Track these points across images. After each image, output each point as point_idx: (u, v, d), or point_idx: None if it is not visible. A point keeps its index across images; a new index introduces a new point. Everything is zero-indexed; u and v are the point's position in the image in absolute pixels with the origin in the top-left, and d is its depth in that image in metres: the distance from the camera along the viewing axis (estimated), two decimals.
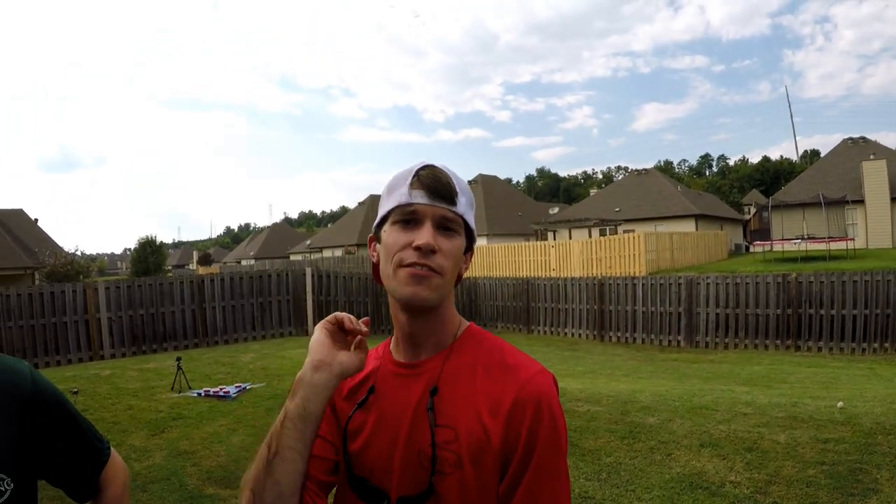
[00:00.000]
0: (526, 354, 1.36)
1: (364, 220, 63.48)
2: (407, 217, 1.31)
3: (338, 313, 1.36)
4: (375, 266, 1.40)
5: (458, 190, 1.34)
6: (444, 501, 1.24)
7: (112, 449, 1.74)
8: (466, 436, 1.24)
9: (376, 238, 1.40)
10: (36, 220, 44.95)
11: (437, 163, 1.37)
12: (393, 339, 1.44)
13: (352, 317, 1.35)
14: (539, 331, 18.97)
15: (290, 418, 1.26)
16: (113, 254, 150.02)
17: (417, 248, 1.27)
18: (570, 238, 34.35)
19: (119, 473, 1.73)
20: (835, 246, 29.26)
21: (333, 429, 1.42)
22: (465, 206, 1.35)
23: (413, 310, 1.32)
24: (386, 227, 1.35)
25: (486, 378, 1.29)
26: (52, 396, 1.56)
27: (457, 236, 1.34)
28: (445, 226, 1.32)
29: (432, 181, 1.31)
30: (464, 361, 1.34)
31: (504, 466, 1.23)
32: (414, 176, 1.33)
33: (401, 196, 1.33)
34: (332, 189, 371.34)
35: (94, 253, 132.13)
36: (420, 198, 1.31)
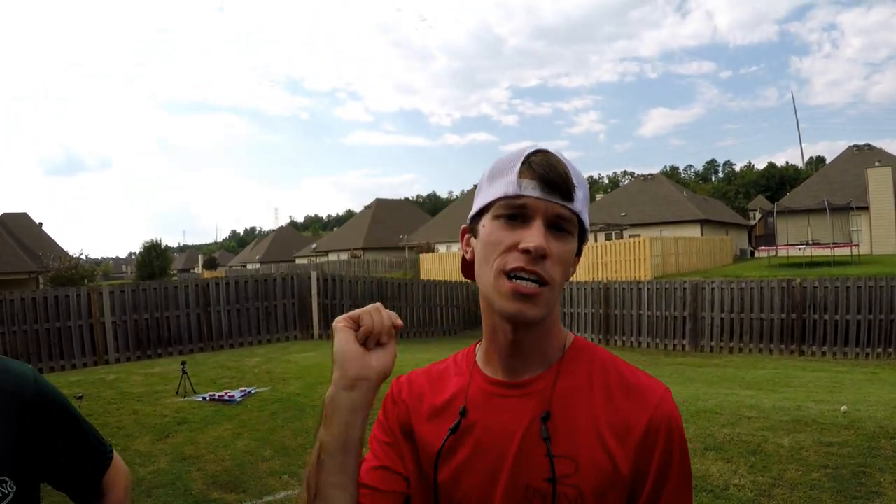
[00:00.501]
0: (641, 370, 1.20)
1: (370, 223, 63.64)
2: (514, 211, 1.11)
3: (353, 312, 1.21)
4: (468, 263, 1.22)
5: (575, 183, 1.12)
6: None
7: (115, 452, 1.74)
8: (590, 468, 1.08)
9: (471, 231, 1.21)
10: (40, 223, 45.19)
11: (551, 147, 1.16)
12: (482, 351, 1.26)
13: (375, 308, 1.21)
14: None
15: (329, 451, 1.11)
16: (118, 258, 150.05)
17: (526, 252, 1.07)
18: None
19: (121, 477, 1.73)
20: (839, 252, 29.21)
21: (396, 456, 1.24)
22: (582, 203, 1.14)
23: (516, 325, 1.12)
24: (485, 220, 1.15)
25: (607, 400, 1.13)
26: (54, 400, 1.57)
27: (570, 238, 1.13)
28: (559, 225, 1.11)
29: (547, 170, 1.10)
30: (578, 381, 1.16)
31: (630, 498, 1.09)
32: (524, 163, 1.12)
33: (508, 185, 1.12)
34: (337, 193, 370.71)
35: (99, 257, 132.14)
36: (531, 189, 1.10)
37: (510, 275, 1.08)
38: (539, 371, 1.17)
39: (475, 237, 1.18)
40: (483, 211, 1.16)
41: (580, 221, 1.14)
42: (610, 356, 1.21)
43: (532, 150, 1.14)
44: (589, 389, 1.15)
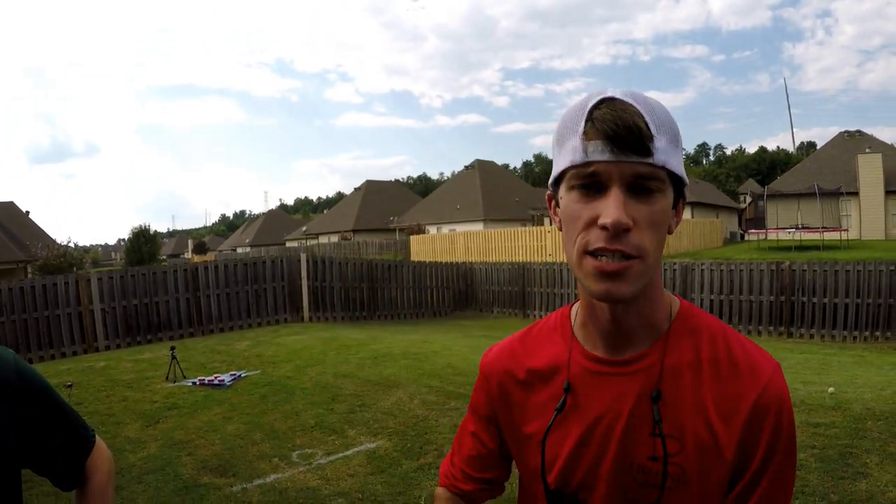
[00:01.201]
0: (752, 342, 1.13)
1: (360, 205, 63.52)
2: (586, 181, 1.00)
3: None
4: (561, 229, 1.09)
5: (652, 131, 0.98)
6: None
7: (97, 437, 1.72)
8: (694, 446, 1.06)
9: (555, 198, 1.11)
10: (27, 212, 44.89)
11: (618, 92, 1.02)
12: (578, 319, 1.20)
13: None
14: (535, 315, 18.96)
15: None
16: (107, 245, 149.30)
17: (604, 228, 0.97)
18: None
19: (104, 461, 1.71)
20: (829, 236, 29.36)
21: (492, 429, 1.31)
22: (667, 150, 1.00)
23: (614, 304, 1.06)
24: (562, 189, 1.06)
25: (715, 375, 1.08)
26: (36, 384, 1.55)
27: (659, 196, 1.00)
28: (641, 185, 0.99)
29: (614, 126, 0.96)
30: (685, 355, 1.10)
31: (734, 478, 1.05)
32: (586, 120, 0.99)
33: (574, 151, 1.00)
34: (328, 175, 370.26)
35: (88, 244, 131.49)
36: (600, 153, 0.98)
37: (593, 253, 0.99)
38: (644, 346, 1.11)
39: (559, 206, 1.08)
40: (560, 177, 1.05)
41: (669, 171, 1.01)
42: (720, 325, 1.14)
43: (597, 99, 1.01)
44: (696, 364, 1.09)
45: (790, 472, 1.06)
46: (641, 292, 1.03)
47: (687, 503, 1.06)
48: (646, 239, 0.98)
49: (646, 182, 0.98)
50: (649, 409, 1.07)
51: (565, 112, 1.05)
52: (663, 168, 0.99)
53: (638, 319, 1.09)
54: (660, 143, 0.98)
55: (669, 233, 1.05)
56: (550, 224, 37.33)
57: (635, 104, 0.99)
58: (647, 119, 0.97)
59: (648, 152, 0.97)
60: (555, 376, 1.18)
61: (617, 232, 0.96)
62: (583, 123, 0.99)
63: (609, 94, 1.00)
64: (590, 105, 1.00)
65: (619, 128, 0.95)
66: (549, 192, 1.12)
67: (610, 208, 0.96)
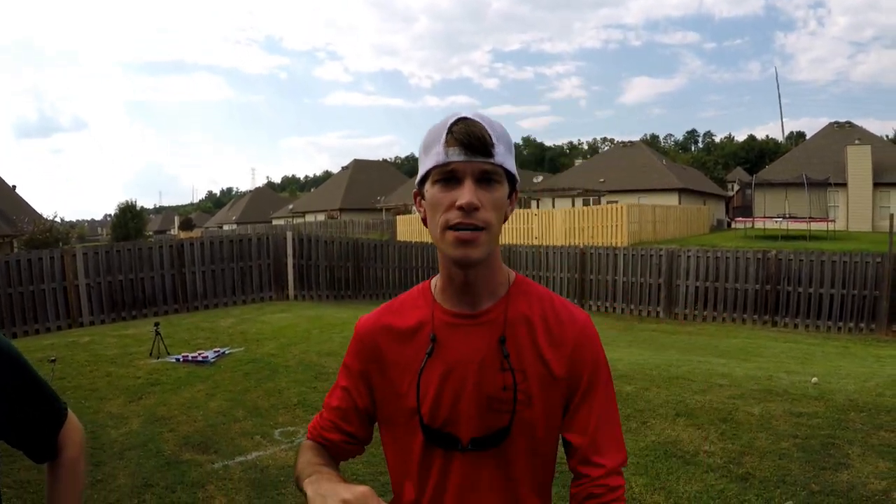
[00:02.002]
0: (569, 302, 1.52)
1: (347, 184, 63.35)
2: (446, 176, 1.33)
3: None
4: (425, 220, 1.43)
5: (493, 140, 1.33)
6: (515, 437, 1.40)
7: (69, 410, 1.73)
8: (535, 376, 1.40)
9: (420, 195, 1.42)
10: (14, 186, 44.47)
11: (470, 112, 1.37)
12: (438, 286, 1.50)
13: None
14: None
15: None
16: (93, 220, 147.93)
17: (460, 208, 1.30)
18: (554, 207, 34.41)
19: (76, 434, 1.72)
20: (815, 226, 29.52)
21: (362, 386, 1.53)
22: (504, 154, 1.36)
23: (464, 267, 1.37)
24: (427, 185, 1.38)
25: (544, 324, 1.43)
26: (9, 357, 1.55)
27: (498, 186, 1.35)
28: (486, 178, 1.33)
29: (466, 136, 1.31)
30: (522, 310, 1.44)
31: (569, 398, 1.43)
32: (447, 133, 1.33)
33: (437, 155, 1.34)
34: (316, 153, 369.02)
35: (74, 219, 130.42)
36: (456, 155, 1.32)
37: (452, 227, 1.31)
38: (490, 303, 1.45)
39: (424, 199, 1.40)
40: (425, 178, 1.38)
41: (506, 170, 1.36)
42: (546, 290, 1.51)
43: (453, 119, 1.34)
44: (530, 317, 1.44)
45: (610, 388, 1.48)
46: (487, 261, 1.38)
47: (534, 421, 1.40)
48: (490, 216, 1.33)
49: (489, 175, 1.33)
50: (498, 351, 1.41)
51: (429, 130, 1.39)
52: (501, 167, 1.35)
53: (484, 282, 1.43)
54: (499, 149, 1.34)
55: (506, 218, 1.41)
56: (538, 206, 37.39)
57: (481, 122, 1.34)
58: (489, 132, 1.33)
59: (491, 155, 1.33)
60: (421, 331, 1.47)
61: (470, 210, 1.30)
62: (444, 135, 1.33)
63: (462, 115, 1.35)
64: (449, 122, 1.34)
65: (470, 137, 1.30)
66: (415, 190, 1.44)
67: (465, 194, 1.30)
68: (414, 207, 1.53)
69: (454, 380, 1.41)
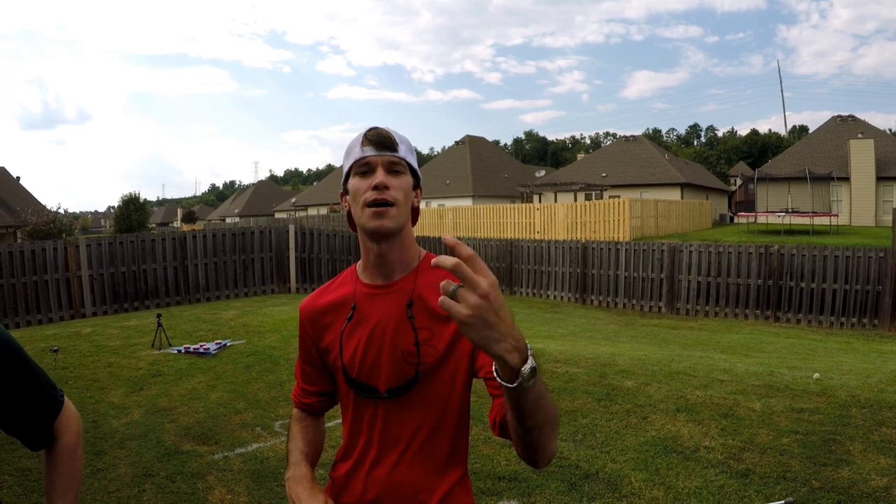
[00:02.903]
0: None
1: None
2: (363, 168, 1.67)
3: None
4: (349, 214, 1.74)
5: (398, 140, 1.69)
6: (426, 386, 1.67)
7: (66, 398, 1.74)
8: (441, 333, 1.65)
9: (345, 192, 1.74)
10: (18, 178, 44.55)
11: (380, 126, 1.71)
12: (360, 267, 1.79)
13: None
14: (521, 293, 19.01)
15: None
16: (97, 212, 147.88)
17: (375, 188, 1.62)
18: (556, 201, 34.35)
19: (73, 422, 1.73)
20: (818, 221, 29.48)
21: (313, 352, 1.85)
22: (406, 152, 1.71)
23: (380, 238, 1.66)
24: (350, 180, 1.70)
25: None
26: (5, 344, 1.55)
27: (404, 174, 1.69)
28: (393, 168, 1.67)
29: (377, 137, 1.66)
30: (429, 280, 1.69)
31: (473, 346, 1.57)
32: (363, 137, 1.68)
33: (356, 154, 1.68)
34: (318, 147, 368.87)
35: (78, 211, 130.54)
36: (370, 151, 1.66)
37: (369, 205, 1.63)
38: (402, 275, 1.73)
39: (347, 194, 1.72)
40: (348, 175, 1.71)
41: (408, 164, 1.71)
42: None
43: (368, 128, 1.69)
44: (435, 284, 1.63)
45: None
46: (398, 237, 1.68)
47: (440, 370, 1.66)
48: (398, 195, 1.65)
49: (395, 166, 1.67)
50: (407, 313, 1.68)
51: (351, 140, 1.73)
52: (404, 159, 1.69)
53: (397, 256, 1.71)
54: (402, 147, 1.70)
55: (415, 207, 1.76)
56: (540, 201, 37.37)
57: (388, 129, 1.70)
58: (394, 135, 1.69)
59: (396, 150, 1.68)
60: (346, 303, 1.77)
61: (381, 188, 1.62)
62: (361, 138, 1.68)
63: (374, 125, 1.70)
64: (365, 131, 1.69)
65: (380, 138, 1.67)
66: (341, 191, 1.77)
67: (377, 176, 1.64)
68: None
69: (373, 340, 1.69)
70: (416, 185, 1.76)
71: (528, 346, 1.27)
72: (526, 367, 1.25)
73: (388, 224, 1.63)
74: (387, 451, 1.70)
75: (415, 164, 1.75)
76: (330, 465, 1.89)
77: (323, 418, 2.02)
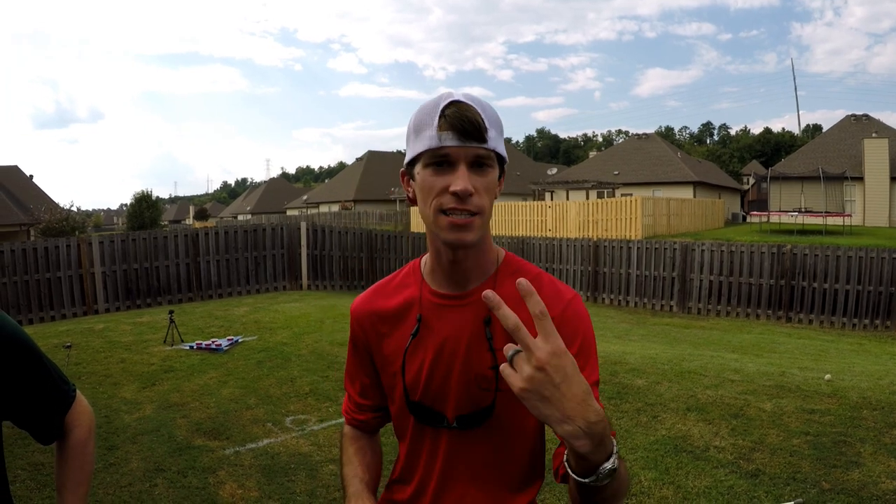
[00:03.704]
0: (560, 281, 1.49)
1: (361, 175, 63.31)
2: (440, 160, 1.32)
3: None
4: (412, 199, 1.44)
5: (487, 125, 1.32)
6: (501, 416, 1.42)
7: (78, 392, 1.74)
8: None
9: (409, 174, 1.43)
10: (31, 176, 44.71)
11: (460, 94, 1.35)
12: (427, 268, 1.52)
13: None
14: None
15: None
16: (109, 209, 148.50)
17: (455, 194, 1.30)
18: (568, 199, 34.30)
19: (84, 416, 1.73)
20: (832, 221, 29.29)
21: (367, 362, 1.60)
22: (496, 139, 1.35)
23: (457, 248, 1.37)
24: (418, 167, 1.37)
25: None
26: (17, 338, 1.56)
27: (490, 170, 1.35)
28: (479, 163, 1.33)
29: (460, 121, 1.29)
30: (509, 288, 1.39)
31: None
32: (441, 116, 1.31)
33: (430, 139, 1.32)
34: (330, 144, 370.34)
35: (91, 208, 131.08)
36: (450, 140, 1.30)
37: (446, 212, 1.32)
38: (478, 283, 1.45)
39: (413, 180, 1.41)
40: (415, 159, 1.37)
41: (497, 153, 1.36)
42: (535, 268, 1.50)
43: (447, 101, 1.32)
44: (516, 295, 1.28)
45: (595, 365, 1.40)
46: (477, 243, 1.37)
47: (518, 401, 1.24)
48: (483, 200, 1.33)
49: (482, 160, 1.33)
50: (484, 331, 1.41)
51: (419, 109, 1.37)
52: (494, 151, 1.34)
53: (473, 262, 1.43)
54: (491, 133, 1.33)
55: (496, 197, 1.40)
56: (552, 199, 37.31)
57: (474, 105, 1.32)
58: (483, 116, 1.31)
59: (484, 140, 1.31)
60: (410, 311, 1.50)
61: (464, 196, 1.29)
62: (437, 119, 1.31)
63: (454, 97, 1.33)
64: (441, 105, 1.32)
65: (464, 123, 1.28)
66: (402, 169, 1.45)
67: (459, 180, 1.29)
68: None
69: (442, 359, 1.44)
70: (501, 174, 1.42)
71: (611, 435, 1.07)
72: (606, 466, 1.05)
73: (470, 238, 1.33)
74: (450, 483, 1.49)
75: (504, 150, 1.40)
76: (384, 482, 1.70)
77: (378, 436, 1.77)
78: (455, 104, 1.31)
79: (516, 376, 1.01)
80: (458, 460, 1.47)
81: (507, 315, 1.00)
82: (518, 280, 1.02)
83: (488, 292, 1.02)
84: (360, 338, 1.59)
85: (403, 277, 1.57)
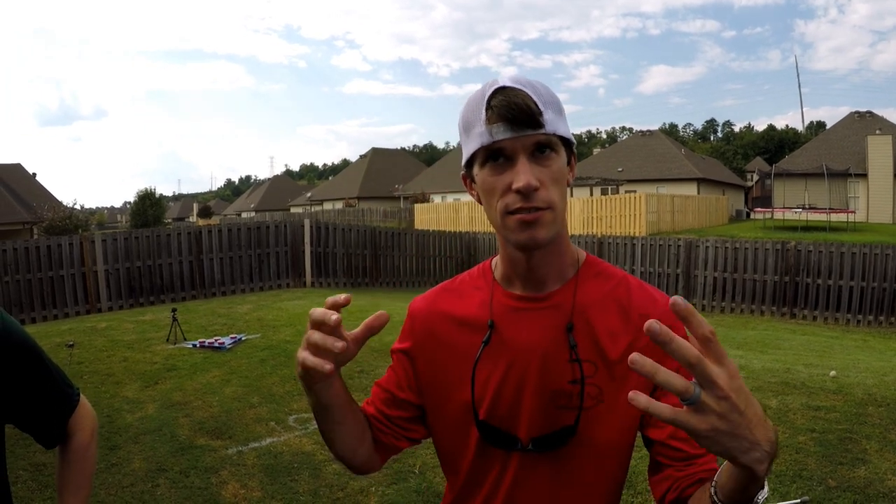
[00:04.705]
0: (650, 285, 1.35)
1: (365, 172, 63.41)
2: (495, 156, 1.19)
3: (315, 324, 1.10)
4: (479, 202, 1.30)
5: (540, 107, 1.16)
6: (583, 438, 1.24)
7: (81, 395, 1.73)
8: (607, 367, 1.24)
9: (469, 177, 1.30)
10: (34, 174, 44.78)
11: (506, 78, 1.20)
12: (500, 272, 1.36)
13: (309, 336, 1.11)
14: None
15: (314, 410, 1.30)
16: (113, 207, 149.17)
17: (518, 192, 1.15)
18: (572, 196, 34.25)
19: (87, 420, 1.72)
20: (835, 217, 29.24)
21: (412, 376, 1.40)
22: (555, 120, 1.19)
23: (531, 250, 1.22)
24: (476, 168, 1.24)
25: (619, 309, 1.27)
26: (20, 341, 1.54)
27: (555, 156, 1.20)
28: (540, 150, 1.18)
29: (510, 110, 1.14)
30: (593, 294, 1.29)
31: (650, 387, 1.18)
32: (487, 108, 1.17)
33: (481, 136, 1.18)
34: (334, 141, 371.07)
35: (94, 206, 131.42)
36: (502, 132, 1.16)
37: (513, 212, 1.17)
38: (556, 286, 1.30)
39: (474, 182, 1.27)
40: (471, 160, 1.24)
41: (559, 136, 1.20)
42: (622, 272, 1.35)
43: (492, 89, 1.18)
44: (603, 301, 1.28)
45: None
46: (554, 242, 1.22)
47: (604, 419, 1.23)
48: (552, 193, 1.17)
49: (543, 147, 1.17)
50: (565, 339, 1.25)
51: (466, 105, 1.24)
52: (554, 134, 1.18)
53: (550, 266, 1.28)
54: (548, 115, 1.17)
55: (569, 185, 1.25)
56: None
57: (523, 88, 1.17)
58: (535, 99, 1.16)
59: (540, 125, 1.15)
60: (480, 317, 1.33)
61: (528, 192, 1.14)
62: (484, 112, 1.17)
63: (500, 83, 1.18)
64: (487, 95, 1.18)
65: (514, 110, 1.13)
66: (462, 172, 1.31)
67: (520, 175, 1.15)
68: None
69: (515, 371, 1.27)
70: (570, 158, 1.26)
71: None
72: (761, 496, 0.97)
73: (542, 235, 1.18)
74: None
75: (567, 130, 1.23)
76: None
77: (377, 457, 1.47)
78: (501, 91, 1.17)
79: (701, 418, 0.85)
80: (528, 488, 1.29)
81: (684, 347, 0.84)
82: (673, 300, 0.86)
83: (651, 323, 0.84)
84: (417, 342, 1.41)
85: (473, 280, 1.41)
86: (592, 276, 1.32)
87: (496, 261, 1.39)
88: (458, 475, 1.37)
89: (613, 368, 1.23)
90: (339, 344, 1.08)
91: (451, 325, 1.36)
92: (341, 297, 1.12)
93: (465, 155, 1.25)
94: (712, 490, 1.02)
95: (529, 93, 1.16)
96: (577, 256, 1.34)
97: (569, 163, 1.25)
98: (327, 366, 1.10)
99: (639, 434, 1.30)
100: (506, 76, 1.20)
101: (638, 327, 1.20)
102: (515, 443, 1.27)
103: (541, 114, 1.15)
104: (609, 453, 1.28)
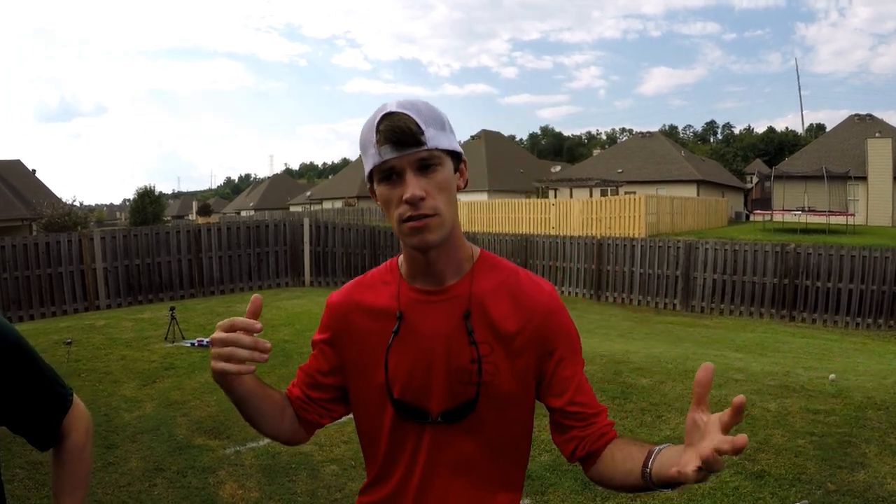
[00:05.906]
0: (535, 274, 1.55)
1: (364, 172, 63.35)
2: (387, 173, 1.36)
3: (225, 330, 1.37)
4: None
5: (422, 127, 1.34)
6: (485, 409, 1.44)
7: (75, 396, 1.71)
8: (502, 347, 1.44)
9: (372, 191, 1.45)
10: (33, 170, 44.62)
11: (394, 104, 1.37)
12: (404, 268, 1.53)
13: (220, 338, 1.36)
14: None
15: (234, 403, 1.46)
16: (112, 204, 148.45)
17: (407, 202, 1.32)
18: (571, 197, 34.27)
19: (82, 421, 1.70)
20: (835, 220, 29.21)
21: (333, 360, 1.57)
22: (436, 136, 1.36)
23: (425, 251, 1.40)
24: (375, 183, 1.41)
25: (511, 297, 1.47)
26: (14, 342, 1.52)
27: (440, 168, 1.37)
28: (424, 166, 1.35)
29: (393, 133, 1.32)
30: (488, 284, 1.48)
31: (541, 364, 1.46)
32: (376, 131, 1.35)
33: (373, 157, 1.37)
34: (334, 141, 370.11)
35: (93, 204, 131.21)
36: (390, 152, 1.33)
37: (405, 220, 1.34)
38: (454, 280, 1.48)
39: (376, 195, 1.43)
40: (370, 176, 1.41)
41: (442, 149, 1.37)
42: (510, 264, 1.54)
43: (379, 116, 1.35)
44: (496, 290, 1.47)
45: (581, 357, 1.53)
46: (446, 242, 1.41)
47: (502, 392, 1.44)
48: (438, 201, 1.35)
49: (427, 163, 1.35)
50: (463, 325, 1.44)
51: (362, 129, 1.42)
52: (436, 149, 1.36)
53: (446, 262, 1.46)
54: (429, 133, 1.34)
55: (460, 189, 1.45)
56: (556, 197, 37.28)
57: (407, 112, 1.34)
58: (417, 120, 1.33)
59: (421, 143, 1.33)
60: (389, 308, 1.50)
61: (415, 202, 1.32)
62: (374, 135, 1.35)
63: (387, 108, 1.36)
64: (376, 121, 1.35)
65: (397, 133, 1.32)
66: (368, 186, 1.46)
67: (407, 188, 1.33)
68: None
69: (423, 355, 1.45)
70: (458, 166, 1.44)
71: None
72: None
73: (432, 238, 1.36)
74: (433, 479, 1.47)
75: (451, 142, 1.41)
76: (354, 496, 1.68)
77: (300, 424, 1.62)
78: (387, 117, 1.34)
79: (703, 475, 1.18)
80: (442, 455, 1.47)
81: (736, 439, 1.12)
82: (738, 398, 1.15)
83: (740, 398, 1.15)
84: (336, 332, 1.57)
85: (382, 275, 1.58)
86: (487, 268, 1.50)
87: (401, 259, 1.56)
88: (377, 450, 1.54)
89: (509, 346, 1.44)
90: (265, 356, 1.33)
91: (365, 315, 1.53)
92: (257, 301, 1.40)
93: (366, 172, 1.43)
94: (647, 472, 1.30)
95: (412, 115, 1.34)
96: (472, 252, 1.53)
97: (457, 170, 1.44)
98: (245, 368, 1.32)
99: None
100: (393, 102, 1.38)
101: (528, 310, 1.45)
102: (426, 416, 1.45)
103: (422, 133, 1.33)
104: (509, 422, 1.48)
